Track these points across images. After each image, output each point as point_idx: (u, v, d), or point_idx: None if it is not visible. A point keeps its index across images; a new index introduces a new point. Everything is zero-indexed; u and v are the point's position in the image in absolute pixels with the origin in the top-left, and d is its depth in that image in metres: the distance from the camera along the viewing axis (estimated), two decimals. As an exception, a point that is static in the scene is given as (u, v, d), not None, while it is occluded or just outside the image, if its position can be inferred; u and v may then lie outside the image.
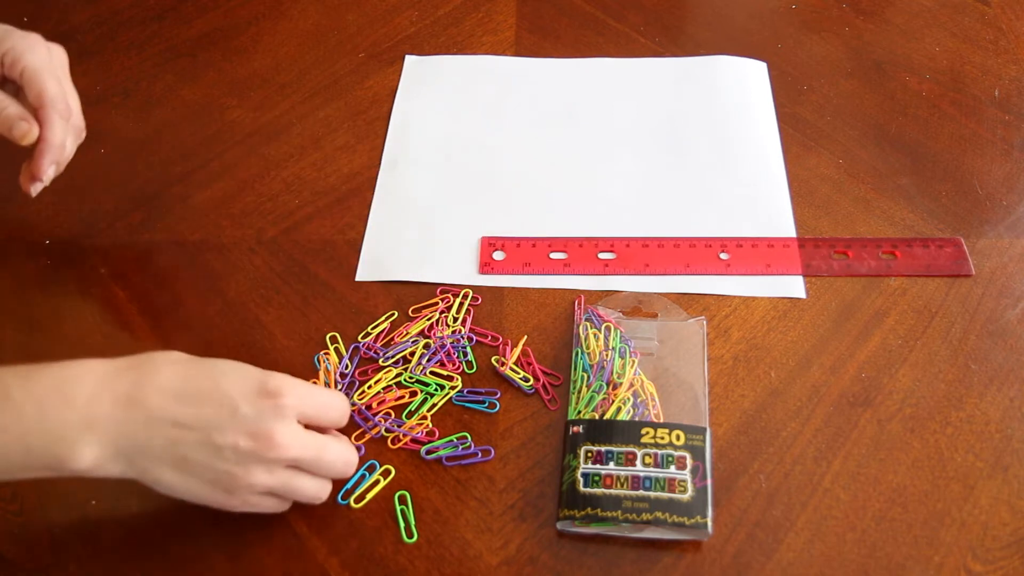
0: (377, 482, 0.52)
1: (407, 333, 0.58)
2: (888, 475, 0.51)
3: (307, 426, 0.47)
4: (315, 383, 0.56)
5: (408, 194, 0.68)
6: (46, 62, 0.53)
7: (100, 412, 0.42)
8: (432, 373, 0.56)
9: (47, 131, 0.54)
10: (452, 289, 0.61)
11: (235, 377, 0.44)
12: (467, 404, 0.55)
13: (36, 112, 0.54)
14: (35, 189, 0.57)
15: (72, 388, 0.42)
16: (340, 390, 0.56)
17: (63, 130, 0.54)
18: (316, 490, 0.48)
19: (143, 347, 0.58)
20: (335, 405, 0.48)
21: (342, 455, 0.48)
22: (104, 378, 0.43)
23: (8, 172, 0.70)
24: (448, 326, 0.59)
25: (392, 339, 0.58)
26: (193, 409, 0.43)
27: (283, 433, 0.44)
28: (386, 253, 0.64)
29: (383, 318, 0.59)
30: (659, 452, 0.50)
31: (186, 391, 0.43)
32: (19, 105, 0.53)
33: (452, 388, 0.56)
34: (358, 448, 0.52)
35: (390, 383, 0.56)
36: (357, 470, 0.52)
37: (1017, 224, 0.64)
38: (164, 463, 0.44)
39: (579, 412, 0.53)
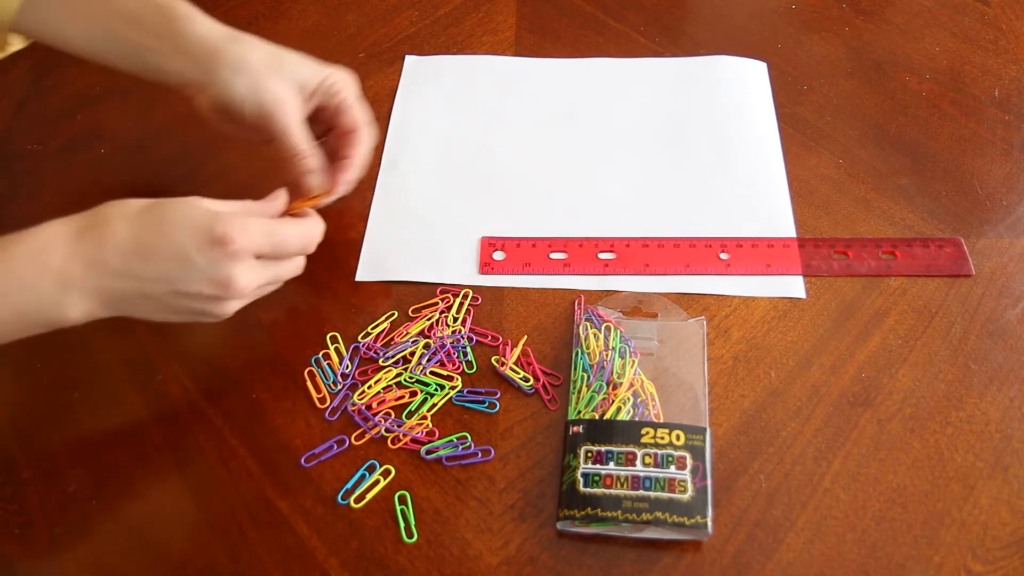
0: (377, 482, 0.52)
1: (407, 333, 0.58)
2: (888, 475, 0.51)
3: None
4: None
5: (408, 194, 0.68)
6: (358, 96, 0.59)
7: (75, 274, 0.46)
8: (432, 373, 0.56)
9: (357, 150, 0.59)
10: (452, 289, 0.61)
11: (185, 227, 0.47)
12: (467, 404, 0.55)
13: (348, 135, 0.60)
14: (323, 201, 0.59)
15: (45, 257, 0.45)
16: (340, 391, 0.56)
17: (368, 152, 0.60)
18: (293, 271, 0.54)
19: (143, 347, 0.59)
20: (292, 238, 0.51)
21: (293, 271, 0.53)
22: (69, 242, 0.46)
23: (9, 172, 0.71)
24: (448, 326, 0.59)
25: (392, 339, 0.58)
26: (152, 264, 0.47)
27: (239, 276, 0.48)
28: (386, 253, 0.64)
29: (383, 318, 0.59)
30: (659, 452, 0.50)
31: (142, 247, 0.46)
32: (321, 158, 0.58)
33: (452, 388, 0.56)
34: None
35: (390, 383, 0.56)
36: (357, 470, 0.52)
37: (1017, 224, 0.64)
38: (147, 308, 0.49)
39: (579, 412, 0.53)
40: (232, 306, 0.50)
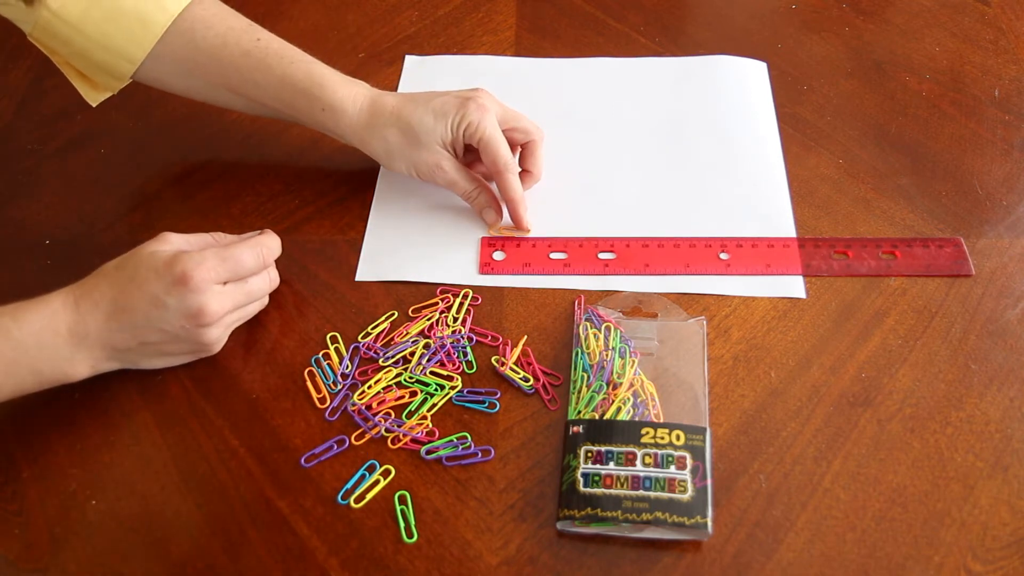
0: (377, 482, 0.52)
1: (407, 333, 0.58)
2: (888, 475, 0.51)
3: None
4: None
5: (408, 194, 0.68)
6: (497, 130, 0.61)
7: (81, 335, 0.52)
8: (432, 373, 0.56)
9: (509, 192, 0.63)
10: (452, 289, 0.61)
11: (151, 277, 0.52)
12: (467, 404, 0.55)
13: (491, 174, 0.63)
14: (501, 231, 0.65)
15: (55, 323, 0.51)
16: (340, 391, 0.56)
17: (518, 184, 0.63)
18: (263, 286, 0.58)
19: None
20: (246, 257, 0.55)
21: (264, 284, 0.58)
22: (70, 309, 0.52)
23: (9, 172, 0.71)
24: (448, 326, 0.59)
25: (392, 339, 0.58)
26: (134, 315, 0.52)
27: (209, 304, 0.52)
28: (386, 253, 0.64)
29: (383, 318, 0.59)
30: (659, 452, 0.50)
31: (123, 303, 0.52)
32: (489, 193, 0.64)
33: (452, 388, 0.56)
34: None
35: (390, 383, 0.56)
36: (357, 470, 0.52)
37: (1017, 224, 0.64)
38: (144, 356, 0.55)
39: (579, 412, 0.53)
40: (214, 332, 0.54)
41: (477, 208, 0.64)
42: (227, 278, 0.54)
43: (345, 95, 0.61)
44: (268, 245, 0.57)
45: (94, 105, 0.66)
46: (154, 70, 0.63)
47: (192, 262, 0.52)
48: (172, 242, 0.55)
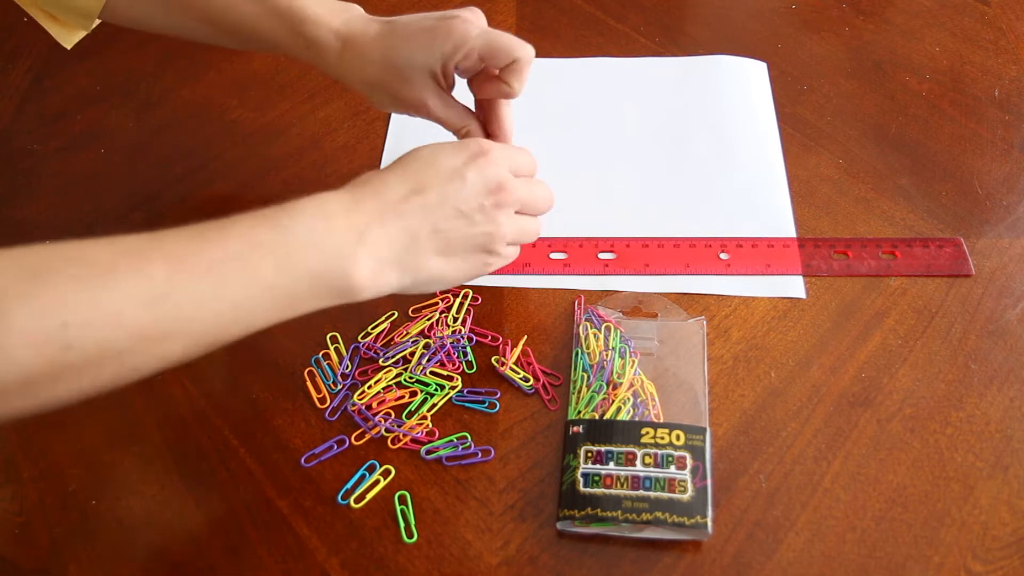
0: (377, 482, 0.52)
1: (407, 333, 0.58)
2: (888, 475, 0.51)
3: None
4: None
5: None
6: (491, 31, 0.54)
7: (362, 226, 0.45)
8: (432, 373, 0.56)
9: (514, 85, 0.54)
10: (452, 289, 0.61)
11: (447, 154, 0.49)
12: (467, 404, 0.55)
13: (503, 71, 0.54)
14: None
15: (331, 211, 0.45)
16: (340, 391, 0.56)
17: (522, 85, 0.55)
18: (537, 228, 0.54)
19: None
20: (529, 163, 0.53)
21: (546, 191, 0.54)
22: (346, 197, 0.46)
23: (9, 172, 0.71)
24: (448, 326, 0.59)
25: (392, 339, 0.58)
26: (430, 193, 0.47)
27: (507, 178, 0.50)
28: (386, 253, 0.63)
29: (383, 318, 0.59)
30: (659, 452, 0.50)
31: (416, 184, 0.47)
32: (479, 129, 0.57)
33: (452, 388, 0.56)
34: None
35: (390, 383, 0.56)
36: (357, 470, 0.52)
37: (1017, 224, 0.64)
38: (429, 253, 0.48)
39: (579, 412, 0.53)
40: (505, 223, 0.50)
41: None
42: (515, 169, 0.51)
43: (326, 33, 0.55)
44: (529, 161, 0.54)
45: (68, 47, 0.63)
46: (125, 3, 0.58)
47: (483, 143, 0.50)
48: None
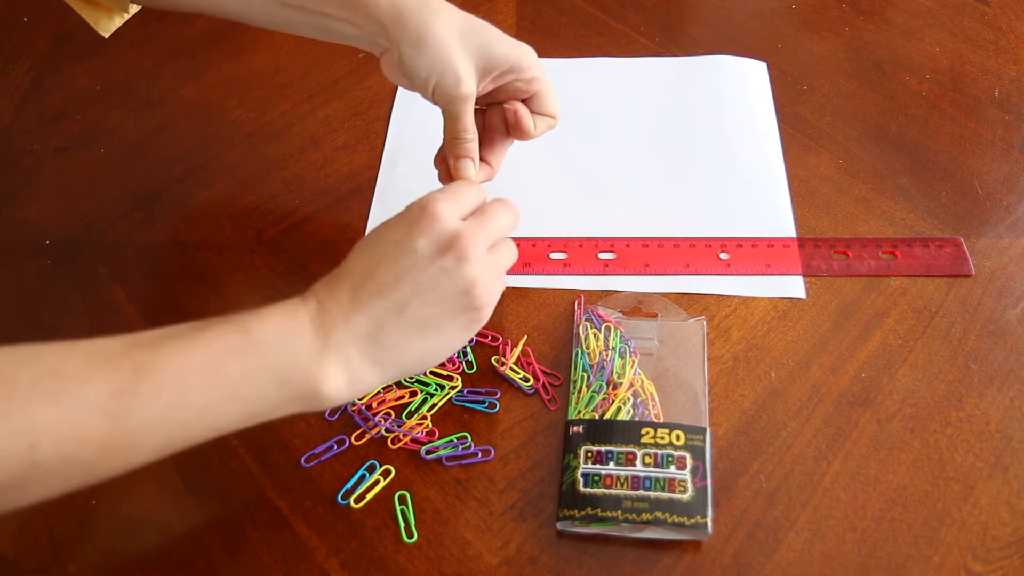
0: (377, 482, 0.52)
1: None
2: (888, 475, 0.51)
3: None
4: None
5: (408, 194, 0.67)
6: (552, 87, 0.54)
7: (329, 327, 0.43)
8: (432, 373, 0.56)
9: (535, 132, 0.55)
10: (452, 289, 0.61)
11: (387, 230, 0.46)
12: (467, 404, 0.55)
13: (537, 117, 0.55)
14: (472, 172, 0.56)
15: (297, 313, 0.43)
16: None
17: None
18: (513, 251, 0.50)
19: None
20: (472, 192, 0.49)
21: (505, 212, 0.49)
22: (314, 299, 0.44)
23: (9, 172, 0.71)
24: (448, 326, 0.59)
25: (392, 339, 0.58)
26: (387, 275, 0.44)
27: (458, 228, 0.45)
28: (386, 253, 0.63)
29: (383, 318, 0.59)
30: (659, 452, 0.50)
31: (369, 271, 0.45)
32: (476, 146, 0.54)
33: (452, 388, 0.56)
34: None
35: (390, 383, 0.56)
36: (357, 470, 0.52)
37: (1017, 224, 0.64)
38: (407, 337, 0.44)
39: (579, 412, 0.53)
40: (477, 269, 0.45)
41: (462, 154, 0.54)
42: (463, 212, 0.47)
43: None
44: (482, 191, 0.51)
45: (106, 35, 0.60)
46: None
47: (429, 196, 0.46)
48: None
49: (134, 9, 0.59)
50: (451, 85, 0.50)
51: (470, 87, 0.51)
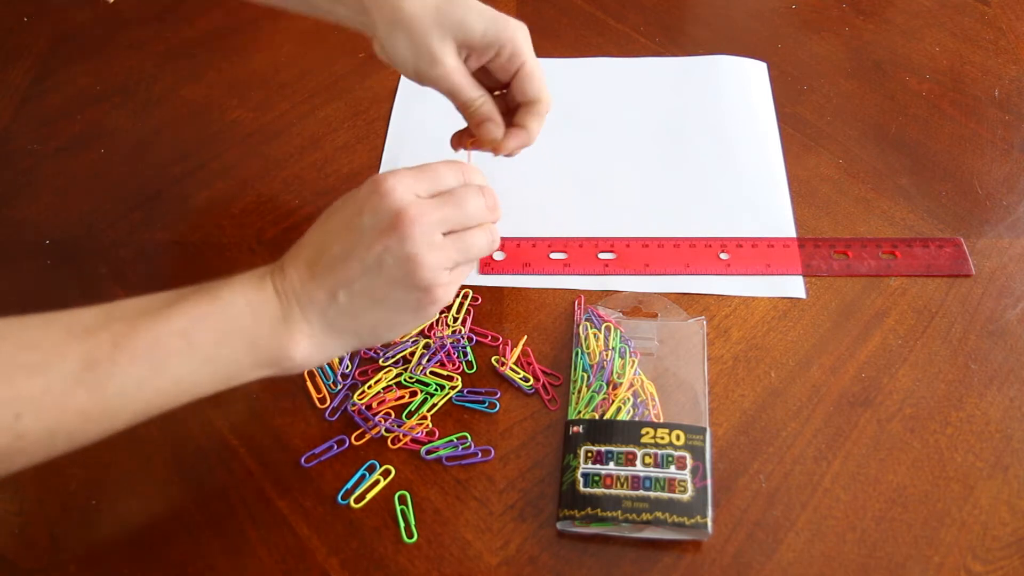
0: (377, 482, 0.52)
1: (407, 333, 0.58)
2: (888, 475, 0.51)
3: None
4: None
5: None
6: (539, 65, 0.52)
7: (291, 297, 0.44)
8: (432, 373, 0.56)
9: (530, 128, 0.54)
10: (452, 289, 0.61)
11: (344, 204, 0.46)
12: (467, 404, 0.55)
13: (521, 107, 0.54)
14: (471, 156, 0.55)
15: (264, 282, 0.44)
16: (340, 391, 0.56)
17: (539, 129, 0.55)
18: (485, 240, 0.48)
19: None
20: (441, 169, 0.47)
21: (475, 198, 0.47)
22: (279, 269, 0.45)
23: (9, 172, 0.71)
24: (448, 326, 0.59)
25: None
26: (336, 249, 0.44)
27: (407, 204, 0.44)
28: (386, 253, 0.63)
29: (383, 318, 0.59)
30: (659, 452, 0.50)
31: (323, 244, 0.45)
32: (493, 104, 0.53)
33: (452, 388, 0.56)
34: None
35: (390, 383, 0.56)
36: (357, 470, 0.52)
37: (1017, 224, 0.64)
38: (359, 309, 0.45)
39: (579, 412, 0.53)
40: (427, 253, 0.44)
41: (479, 119, 0.53)
42: (426, 190, 0.46)
43: None
44: (475, 171, 0.49)
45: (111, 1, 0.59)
46: None
47: (384, 173, 0.45)
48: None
49: None
50: (427, 66, 0.49)
51: (447, 64, 0.49)
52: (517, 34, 0.51)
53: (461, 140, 0.56)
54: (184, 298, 0.43)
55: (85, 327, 0.40)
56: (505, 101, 0.55)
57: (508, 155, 0.55)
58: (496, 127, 0.53)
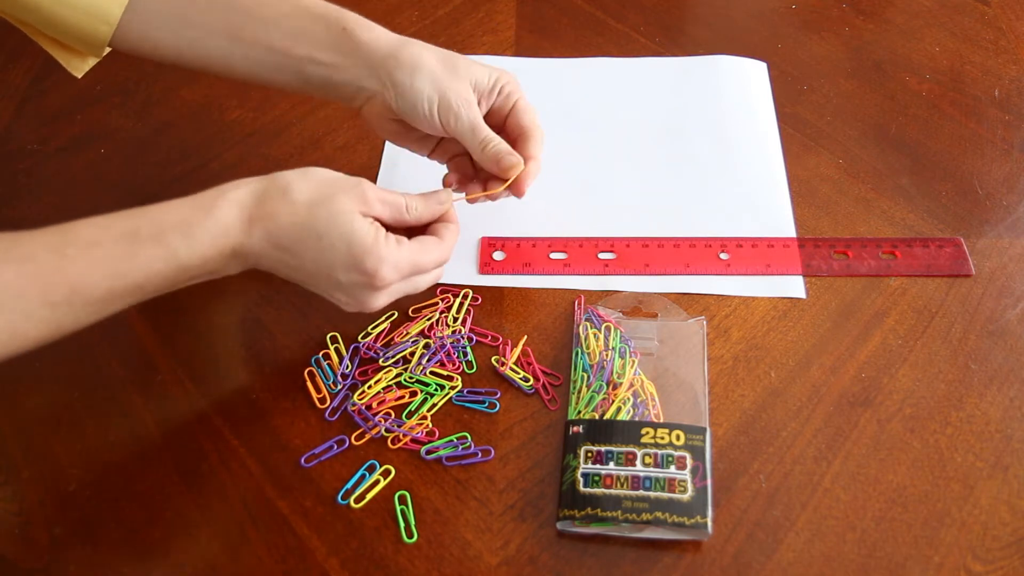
0: (377, 482, 0.52)
1: (407, 333, 0.58)
2: (888, 475, 0.51)
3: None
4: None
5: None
6: (528, 101, 0.59)
7: (245, 256, 0.49)
8: (432, 373, 0.56)
9: (538, 156, 0.58)
10: (452, 289, 0.61)
11: (337, 254, 0.49)
12: (467, 404, 0.55)
13: (519, 141, 0.58)
14: (501, 196, 0.59)
15: (224, 243, 0.48)
16: (340, 391, 0.56)
17: (541, 154, 0.58)
18: (433, 279, 0.55)
19: (144, 347, 0.59)
20: (431, 263, 0.53)
21: (430, 283, 0.55)
22: (246, 234, 0.49)
23: (9, 172, 0.71)
24: (448, 326, 0.59)
25: (392, 339, 0.58)
26: (302, 268, 0.50)
27: (377, 302, 0.51)
28: (386, 253, 0.63)
29: (383, 318, 0.59)
30: (659, 452, 0.50)
31: (294, 253, 0.49)
32: (503, 140, 0.57)
33: (452, 388, 0.56)
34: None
35: (390, 383, 0.56)
36: (357, 470, 0.52)
37: (1017, 224, 0.64)
38: (294, 279, 0.52)
39: (579, 412, 0.53)
40: (378, 298, 0.52)
41: (495, 156, 0.56)
42: (407, 276, 0.53)
43: (382, 35, 0.56)
44: (451, 246, 0.55)
45: (79, 76, 0.61)
46: (137, 26, 0.56)
47: (388, 262, 0.50)
48: (371, 206, 0.51)
49: (107, 50, 0.59)
50: (457, 105, 0.54)
51: (473, 102, 0.55)
52: (510, 75, 0.57)
53: (470, 190, 0.60)
54: (140, 249, 0.46)
55: (38, 267, 0.44)
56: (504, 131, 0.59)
57: (519, 196, 0.58)
58: (516, 156, 0.56)
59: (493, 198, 0.59)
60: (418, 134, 0.59)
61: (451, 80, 0.55)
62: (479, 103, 0.56)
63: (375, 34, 0.55)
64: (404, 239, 0.52)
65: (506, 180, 0.57)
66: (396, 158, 0.70)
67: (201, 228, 0.47)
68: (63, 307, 0.44)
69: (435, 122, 0.55)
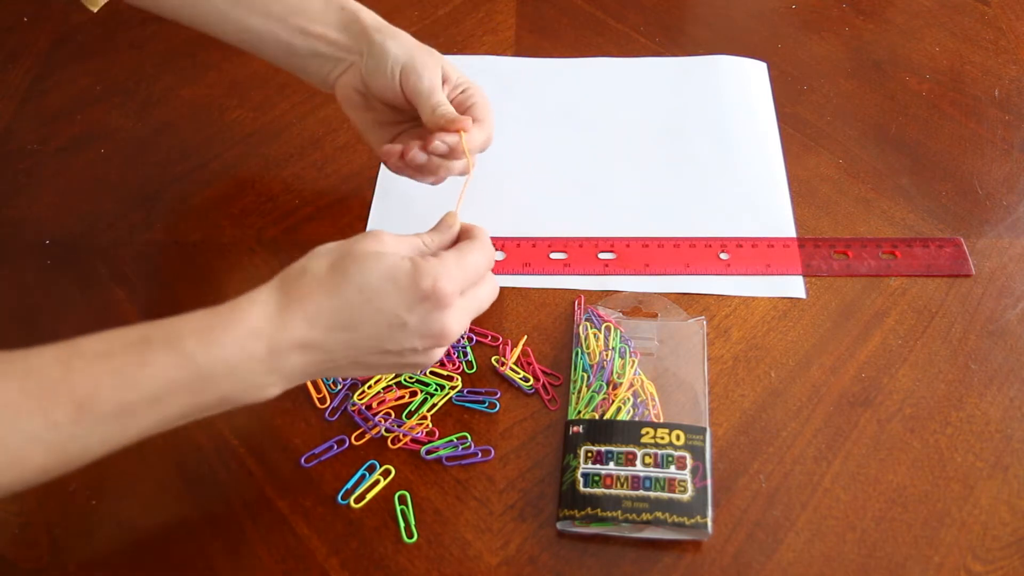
0: (377, 482, 0.52)
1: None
2: (888, 475, 0.51)
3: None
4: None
5: (408, 194, 0.67)
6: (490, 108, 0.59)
7: (284, 359, 0.43)
8: (432, 373, 0.56)
9: (482, 118, 0.57)
10: (452, 289, 0.61)
11: (390, 290, 0.44)
12: (467, 404, 0.55)
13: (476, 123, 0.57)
14: (418, 157, 0.56)
15: (254, 345, 0.42)
16: (340, 391, 0.56)
17: (491, 130, 0.58)
18: (491, 291, 0.50)
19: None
20: (480, 264, 0.49)
21: (488, 293, 0.50)
22: (274, 321, 0.43)
23: (9, 172, 0.71)
24: (448, 326, 0.59)
25: (392, 339, 0.58)
26: (361, 333, 0.44)
27: (452, 324, 0.46)
28: (386, 253, 0.63)
29: (383, 318, 0.59)
30: (659, 452, 0.50)
31: (348, 321, 0.44)
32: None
33: (452, 388, 0.56)
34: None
35: (390, 383, 0.56)
36: (357, 470, 0.52)
37: (1017, 224, 0.64)
38: (348, 371, 0.47)
39: (579, 412, 0.53)
40: (440, 353, 0.48)
41: (445, 116, 0.55)
42: (464, 287, 0.47)
43: (370, 17, 0.58)
44: (486, 242, 0.51)
45: (95, 10, 0.61)
46: None
47: (443, 276, 0.44)
48: (389, 244, 0.46)
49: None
50: (420, 64, 0.55)
51: (434, 69, 0.56)
52: (481, 90, 0.59)
53: (417, 147, 0.57)
54: (153, 358, 0.40)
55: (41, 383, 0.38)
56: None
57: (456, 159, 0.57)
58: (466, 118, 0.55)
59: (433, 153, 0.56)
60: (375, 116, 0.59)
61: (423, 54, 0.56)
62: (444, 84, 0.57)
63: (370, 12, 0.58)
64: (441, 252, 0.48)
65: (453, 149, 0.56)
66: (396, 158, 0.70)
67: (222, 330, 0.42)
68: (69, 427, 0.38)
69: (395, 84, 0.55)
